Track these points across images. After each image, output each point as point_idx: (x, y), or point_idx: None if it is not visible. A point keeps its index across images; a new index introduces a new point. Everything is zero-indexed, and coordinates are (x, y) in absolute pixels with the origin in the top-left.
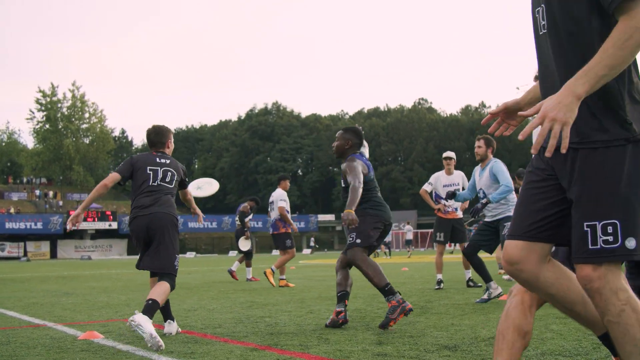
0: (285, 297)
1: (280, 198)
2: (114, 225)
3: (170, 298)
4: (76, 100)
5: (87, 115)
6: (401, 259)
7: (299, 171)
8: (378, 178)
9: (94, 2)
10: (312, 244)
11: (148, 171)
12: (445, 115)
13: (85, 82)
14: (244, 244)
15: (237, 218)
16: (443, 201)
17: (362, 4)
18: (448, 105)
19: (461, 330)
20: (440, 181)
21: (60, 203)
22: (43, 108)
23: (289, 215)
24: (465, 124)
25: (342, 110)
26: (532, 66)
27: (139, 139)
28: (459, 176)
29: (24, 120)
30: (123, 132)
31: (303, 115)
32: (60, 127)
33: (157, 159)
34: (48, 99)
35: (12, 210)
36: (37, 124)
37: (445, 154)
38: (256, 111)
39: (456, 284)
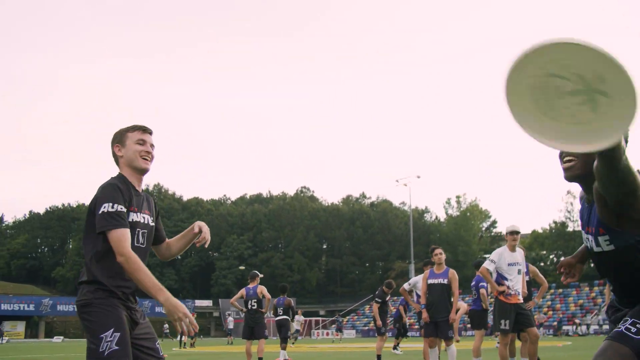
0: None
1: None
2: None
3: None
4: None
5: None
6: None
7: (178, 255)
8: (258, 264)
9: None
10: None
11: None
12: (326, 204)
13: None
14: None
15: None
16: (507, 282)
17: (248, 87)
18: (329, 194)
19: None
20: (504, 259)
21: None
22: None
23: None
24: (346, 214)
25: (224, 195)
26: (410, 161)
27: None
28: (521, 254)
29: None
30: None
31: (185, 198)
32: None
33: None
34: None
35: None
36: None
37: (512, 228)
38: None
39: None
